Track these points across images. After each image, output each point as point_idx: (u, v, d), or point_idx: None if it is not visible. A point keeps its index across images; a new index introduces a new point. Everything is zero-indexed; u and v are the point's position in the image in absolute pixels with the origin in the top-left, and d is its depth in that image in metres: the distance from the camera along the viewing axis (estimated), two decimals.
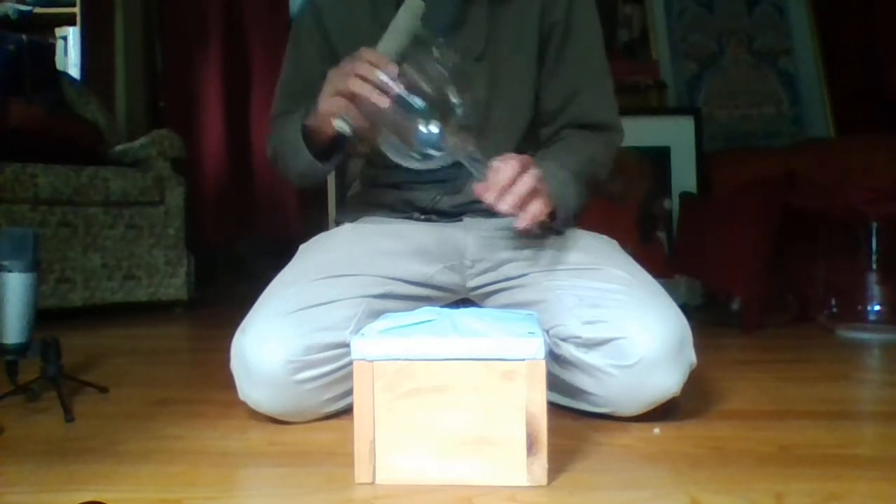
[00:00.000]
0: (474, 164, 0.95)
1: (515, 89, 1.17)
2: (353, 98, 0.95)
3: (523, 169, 0.95)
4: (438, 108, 0.94)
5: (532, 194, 0.95)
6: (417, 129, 0.94)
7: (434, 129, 0.94)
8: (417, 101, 0.93)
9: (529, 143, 1.18)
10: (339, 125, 0.98)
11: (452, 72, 0.96)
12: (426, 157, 0.96)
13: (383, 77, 0.92)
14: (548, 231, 1.12)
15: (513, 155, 0.96)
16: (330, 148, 1.11)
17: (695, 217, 2.31)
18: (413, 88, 0.93)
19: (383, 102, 0.93)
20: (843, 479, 0.82)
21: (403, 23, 0.97)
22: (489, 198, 0.94)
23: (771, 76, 2.91)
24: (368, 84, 0.93)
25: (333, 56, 1.14)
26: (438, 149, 0.95)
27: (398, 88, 0.93)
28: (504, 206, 0.94)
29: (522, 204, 0.95)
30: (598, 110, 1.18)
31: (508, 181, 0.94)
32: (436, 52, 0.97)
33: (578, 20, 1.17)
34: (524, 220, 0.96)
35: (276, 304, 1.04)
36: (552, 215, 1.05)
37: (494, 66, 1.15)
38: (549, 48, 1.17)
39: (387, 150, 0.99)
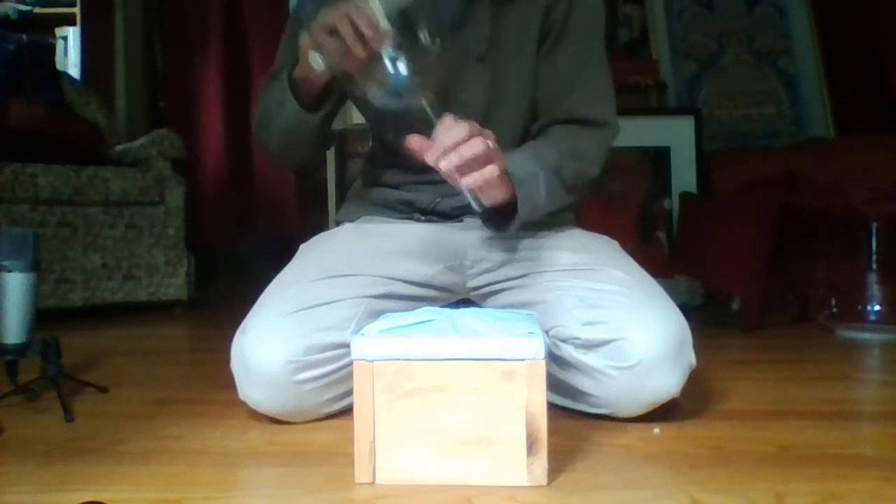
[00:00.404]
0: (426, 115, 0.92)
1: (517, 90, 1.16)
2: (334, 34, 0.94)
3: (476, 134, 0.89)
4: (407, 51, 0.95)
5: (481, 160, 0.89)
6: (385, 67, 0.94)
7: (402, 69, 0.94)
8: (391, 52, 0.94)
9: None
10: (315, 60, 0.99)
11: (432, 27, 0.97)
12: (388, 95, 0.96)
13: (370, 31, 0.92)
14: (507, 223, 1.05)
15: (469, 122, 0.90)
16: (317, 103, 1.09)
17: (695, 217, 2.31)
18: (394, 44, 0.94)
19: (361, 53, 0.92)
20: (843, 479, 0.82)
21: None
22: (429, 156, 0.88)
23: (771, 76, 2.91)
24: (354, 32, 0.92)
25: None
26: (402, 90, 0.94)
27: (380, 47, 0.93)
28: (444, 165, 0.88)
29: (466, 168, 0.89)
30: (590, 106, 1.15)
31: (454, 142, 0.88)
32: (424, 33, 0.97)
33: (576, 18, 1.15)
34: (467, 182, 0.90)
35: (276, 304, 1.04)
36: (514, 209, 1.01)
37: (496, 66, 1.14)
38: (545, 45, 1.15)
39: (353, 85, 0.99)
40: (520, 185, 1.00)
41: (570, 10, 1.14)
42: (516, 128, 1.17)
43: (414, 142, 0.90)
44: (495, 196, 0.98)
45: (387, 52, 0.94)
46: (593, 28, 1.17)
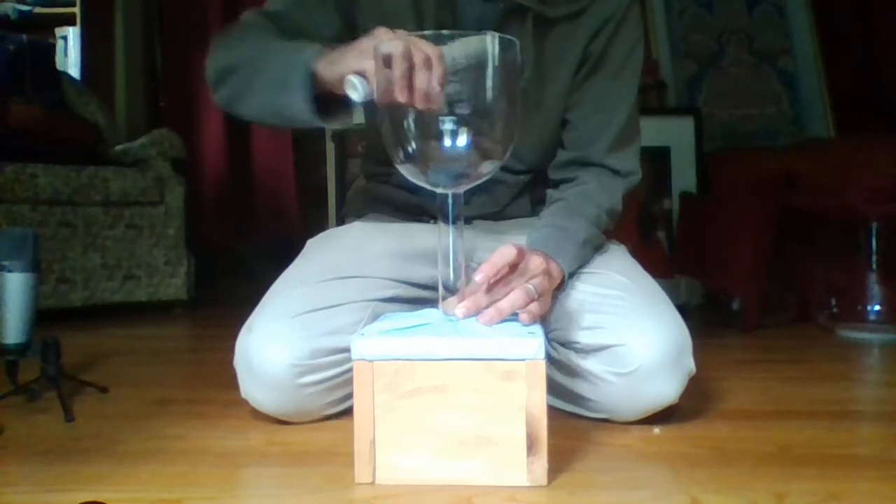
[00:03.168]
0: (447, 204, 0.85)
1: (551, 113, 1.12)
2: (387, 65, 0.78)
3: (514, 286, 0.87)
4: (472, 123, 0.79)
5: (525, 304, 0.87)
6: (441, 135, 0.79)
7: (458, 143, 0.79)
8: (451, 124, 0.79)
9: (548, 163, 1.16)
10: (352, 84, 0.83)
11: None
12: (420, 174, 0.83)
13: (426, 81, 0.76)
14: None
15: (502, 260, 0.87)
16: (323, 103, 0.96)
17: (695, 217, 2.31)
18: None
19: (402, 97, 0.77)
20: (843, 479, 0.82)
21: (474, 48, 0.79)
22: (459, 312, 0.84)
23: (771, 76, 2.91)
24: (407, 77, 0.77)
25: (346, 31, 1.06)
26: (439, 182, 0.83)
27: (426, 104, 0.77)
28: (485, 321, 0.84)
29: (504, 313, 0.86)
30: (618, 156, 1.12)
31: (491, 300, 0.86)
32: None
33: (615, 51, 1.10)
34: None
35: (283, 304, 1.03)
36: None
37: (535, 89, 1.09)
38: (580, 72, 1.11)
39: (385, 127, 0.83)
40: (567, 267, 1.01)
41: (611, 41, 1.10)
42: (544, 147, 1.15)
43: (447, 305, 0.85)
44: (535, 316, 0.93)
45: (445, 123, 0.78)
46: (631, 63, 1.12)
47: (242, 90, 1.02)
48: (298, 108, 0.94)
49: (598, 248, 1.11)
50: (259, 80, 0.98)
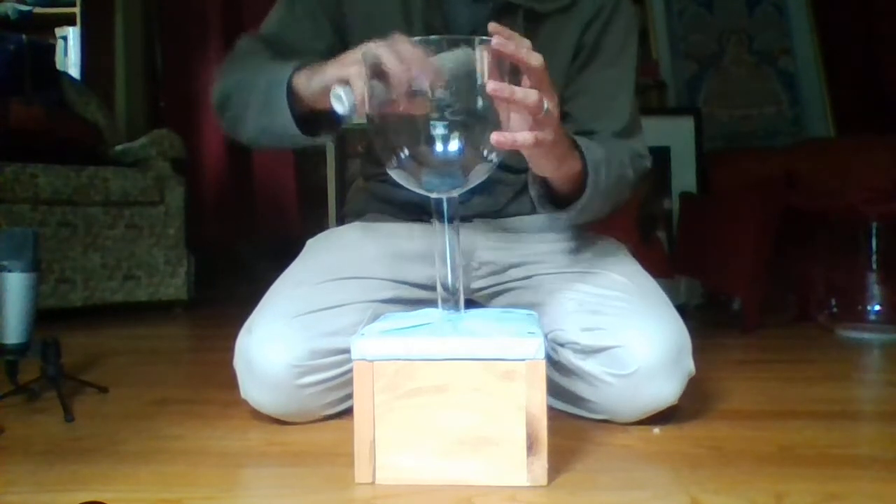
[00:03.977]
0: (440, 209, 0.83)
1: None
2: (374, 75, 0.77)
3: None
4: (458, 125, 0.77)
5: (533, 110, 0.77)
6: (432, 139, 0.77)
7: (453, 145, 0.77)
8: (442, 129, 0.77)
9: None
10: (337, 96, 0.82)
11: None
12: (412, 179, 0.81)
13: (417, 81, 0.75)
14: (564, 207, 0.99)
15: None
16: (311, 121, 0.96)
17: (695, 217, 2.31)
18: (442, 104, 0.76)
19: (399, 96, 0.76)
20: (843, 479, 0.82)
21: (463, 57, 0.77)
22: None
23: (771, 76, 2.91)
24: (400, 70, 0.75)
25: (338, 42, 1.06)
26: (433, 188, 0.81)
27: (412, 109, 0.76)
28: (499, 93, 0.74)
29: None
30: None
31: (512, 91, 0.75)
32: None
33: (609, 41, 1.09)
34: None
35: (282, 304, 1.03)
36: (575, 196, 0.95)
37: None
38: (573, 65, 1.10)
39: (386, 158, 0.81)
40: (591, 166, 0.93)
41: (605, 30, 1.08)
42: None
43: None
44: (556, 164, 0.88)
45: (436, 128, 0.76)
46: (627, 50, 1.11)
47: (239, 116, 1.03)
48: (284, 127, 0.95)
49: (613, 180, 1.02)
50: (250, 104, 0.99)
